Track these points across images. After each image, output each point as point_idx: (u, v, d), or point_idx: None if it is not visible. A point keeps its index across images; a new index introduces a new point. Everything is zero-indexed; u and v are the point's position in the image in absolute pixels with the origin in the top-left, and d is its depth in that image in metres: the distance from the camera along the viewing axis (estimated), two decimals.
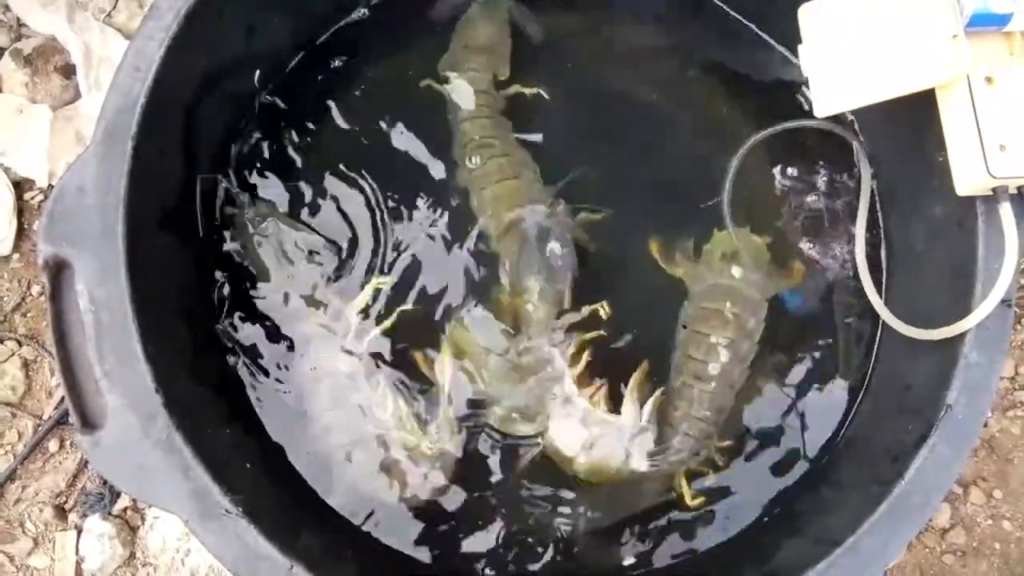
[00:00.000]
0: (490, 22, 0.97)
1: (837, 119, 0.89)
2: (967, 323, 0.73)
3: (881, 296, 0.90)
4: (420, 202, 0.93)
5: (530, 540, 0.86)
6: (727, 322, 0.87)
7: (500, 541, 0.86)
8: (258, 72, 0.91)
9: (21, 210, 1.11)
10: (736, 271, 0.89)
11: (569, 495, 0.87)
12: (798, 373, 0.91)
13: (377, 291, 0.89)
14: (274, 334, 0.89)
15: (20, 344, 1.08)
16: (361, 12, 0.98)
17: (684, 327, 0.90)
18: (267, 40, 0.91)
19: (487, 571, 0.85)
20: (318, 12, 0.96)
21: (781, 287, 0.91)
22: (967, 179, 0.73)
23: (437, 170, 0.94)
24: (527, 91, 0.96)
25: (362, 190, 0.93)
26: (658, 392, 0.86)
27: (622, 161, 0.96)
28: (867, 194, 0.91)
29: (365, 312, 0.89)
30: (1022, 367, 1.10)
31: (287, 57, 0.96)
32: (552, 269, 0.89)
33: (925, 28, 0.72)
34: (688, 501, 0.85)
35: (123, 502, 1.03)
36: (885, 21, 0.74)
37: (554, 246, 0.89)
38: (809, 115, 0.81)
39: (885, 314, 0.84)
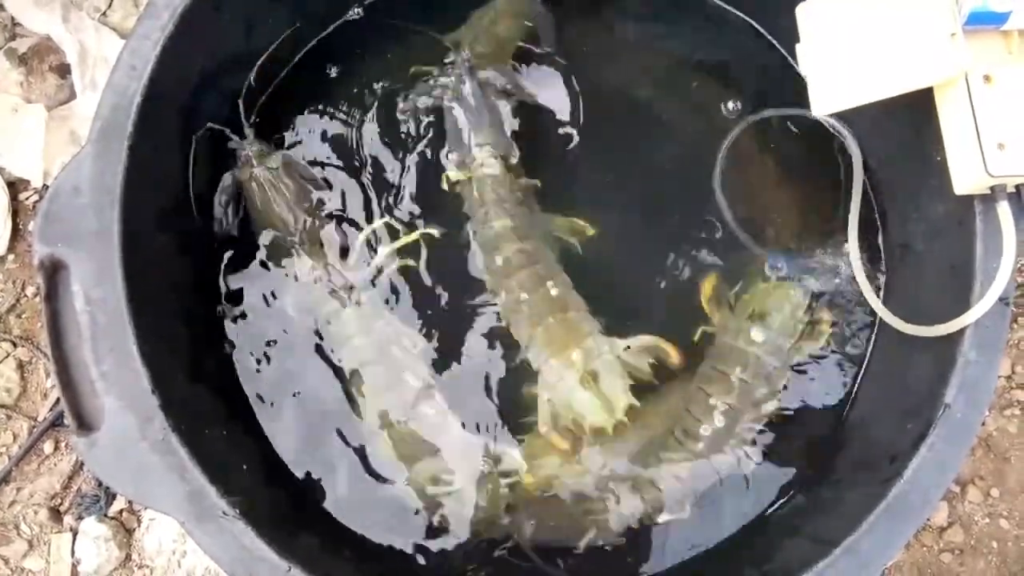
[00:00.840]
0: (513, 19, 0.97)
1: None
2: (964, 320, 0.73)
3: (880, 295, 0.90)
4: (422, 199, 0.93)
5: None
6: (731, 388, 0.83)
7: (499, 543, 0.85)
8: (255, 71, 0.91)
9: (16, 210, 1.10)
10: (758, 334, 0.84)
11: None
12: (796, 372, 0.90)
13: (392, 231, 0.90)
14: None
15: (15, 345, 1.07)
16: (356, 12, 0.98)
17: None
18: (264, 39, 0.90)
19: (485, 572, 0.85)
20: (315, 11, 0.96)
21: (808, 352, 0.87)
22: (965, 178, 0.73)
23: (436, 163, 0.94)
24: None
25: (361, 186, 0.93)
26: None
27: (620, 166, 0.95)
28: (859, 185, 0.89)
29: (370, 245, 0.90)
30: (1019, 366, 1.10)
31: (285, 55, 0.96)
32: (484, 122, 0.88)
33: (923, 26, 0.71)
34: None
35: (119, 504, 1.03)
36: (883, 19, 0.74)
37: (472, 95, 0.88)
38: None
39: (880, 309, 0.84)
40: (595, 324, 0.86)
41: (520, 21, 0.97)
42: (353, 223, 0.92)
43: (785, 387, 0.87)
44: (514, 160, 0.91)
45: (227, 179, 0.88)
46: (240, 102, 0.89)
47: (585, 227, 0.91)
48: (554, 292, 0.85)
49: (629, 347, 0.85)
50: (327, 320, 0.88)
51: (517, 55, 0.97)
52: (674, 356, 0.85)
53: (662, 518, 0.84)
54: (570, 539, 0.84)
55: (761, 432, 0.86)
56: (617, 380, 0.83)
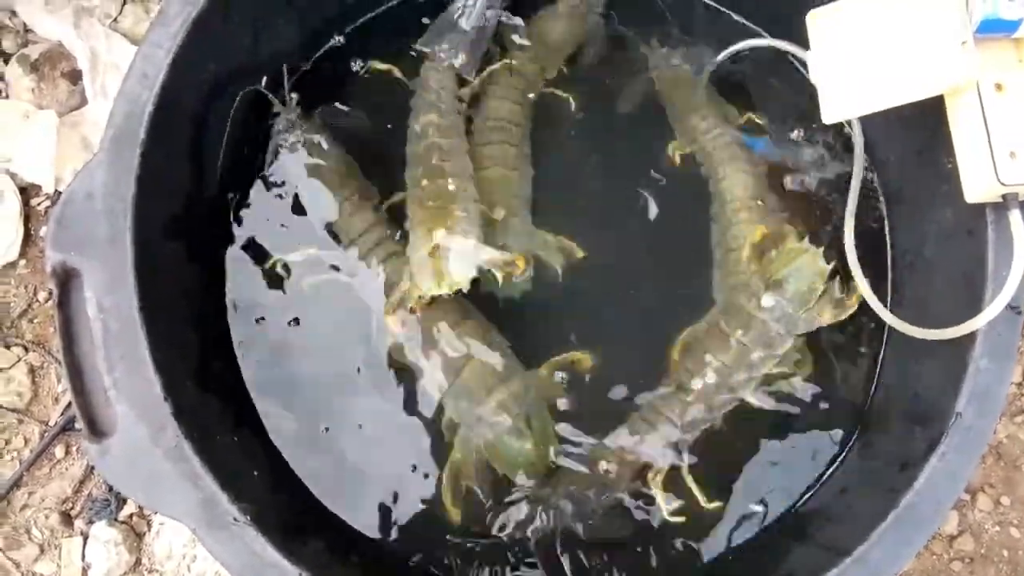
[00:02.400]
0: (570, 24, 0.98)
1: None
2: (972, 325, 0.73)
3: (888, 301, 0.90)
4: None
5: (531, 550, 0.85)
6: (728, 348, 0.84)
7: (502, 549, 0.85)
8: (265, 77, 0.91)
9: (27, 216, 1.11)
10: (768, 300, 0.83)
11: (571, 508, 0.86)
12: (806, 378, 0.90)
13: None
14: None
15: (27, 350, 1.08)
16: (336, 40, 0.99)
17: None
18: (274, 45, 0.91)
19: None
20: (324, 17, 0.96)
21: (820, 322, 0.84)
22: (976, 186, 0.73)
23: None
24: (560, 93, 0.98)
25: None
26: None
27: (627, 193, 0.96)
28: (858, 178, 0.87)
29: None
30: None
31: (295, 61, 0.96)
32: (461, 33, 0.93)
33: (934, 34, 0.71)
34: (664, 510, 0.83)
35: (129, 508, 1.03)
36: (894, 27, 0.74)
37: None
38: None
39: (882, 311, 0.83)
40: (476, 231, 0.86)
41: (576, 31, 0.99)
42: None
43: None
44: (469, 78, 0.94)
45: (272, 146, 0.93)
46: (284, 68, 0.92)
47: (574, 248, 0.91)
48: (451, 187, 0.87)
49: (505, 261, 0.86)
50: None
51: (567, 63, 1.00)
52: (519, 267, 0.86)
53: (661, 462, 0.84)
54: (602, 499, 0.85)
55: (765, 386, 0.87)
56: (464, 264, 0.83)
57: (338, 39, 0.99)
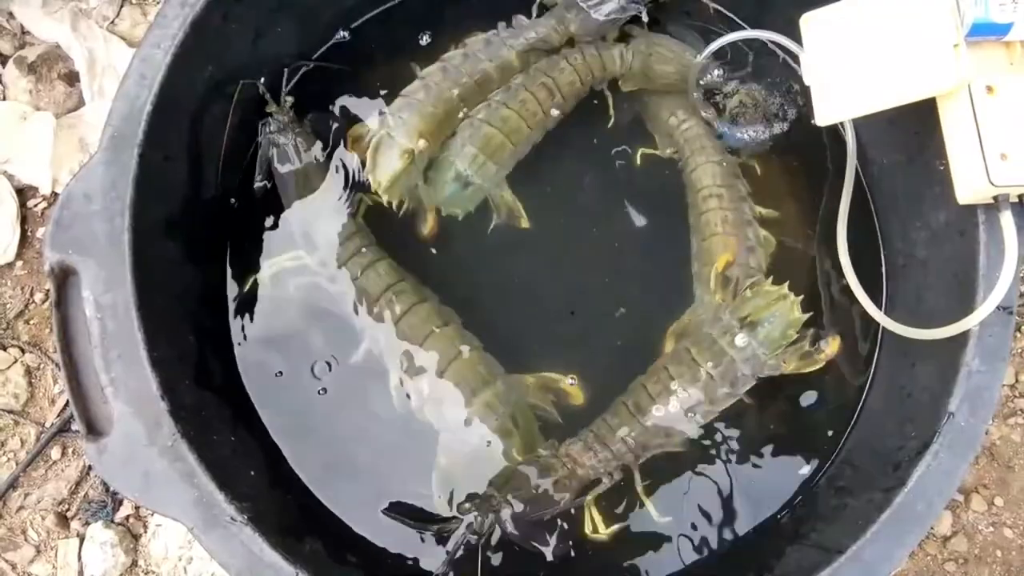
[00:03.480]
0: (677, 71, 0.97)
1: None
2: (963, 325, 0.74)
3: (882, 303, 0.90)
4: None
5: (528, 553, 0.85)
6: (696, 379, 0.84)
7: (497, 552, 0.86)
8: (263, 79, 0.91)
9: (24, 217, 1.11)
10: (741, 340, 0.84)
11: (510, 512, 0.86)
12: (800, 379, 0.91)
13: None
14: None
15: (23, 351, 1.08)
16: (342, 35, 0.99)
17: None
18: (272, 47, 0.91)
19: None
20: (322, 19, 0.97)
21: (786, 369, 0.85)
22: (968, 187, 0.73)
23: None
24: (612, 109, 0.99)
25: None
26: None
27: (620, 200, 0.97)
28: (851, 179, 0.88)
29: None
30: (1022, 375, 1.10)
31: (293, 63, 0.96)
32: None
33: (926, 37, 0.72)
34: (592, 532, 0.84)
35: (125, 510, 1.03)
36: (886, 30, 0.74)
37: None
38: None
39: (875, 311, 0.83)
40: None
41: (674, 79, 0.98)
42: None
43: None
44: (586, 38, 0.95)
45: (264, 143, 0.93)
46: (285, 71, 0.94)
47: (522, 216, 0.94)
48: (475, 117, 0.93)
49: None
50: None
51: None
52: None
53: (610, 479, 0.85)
54: (546, 509, 0.84)
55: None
56: (414, 181, 0.91)
57: (343, 34, 1.00)
